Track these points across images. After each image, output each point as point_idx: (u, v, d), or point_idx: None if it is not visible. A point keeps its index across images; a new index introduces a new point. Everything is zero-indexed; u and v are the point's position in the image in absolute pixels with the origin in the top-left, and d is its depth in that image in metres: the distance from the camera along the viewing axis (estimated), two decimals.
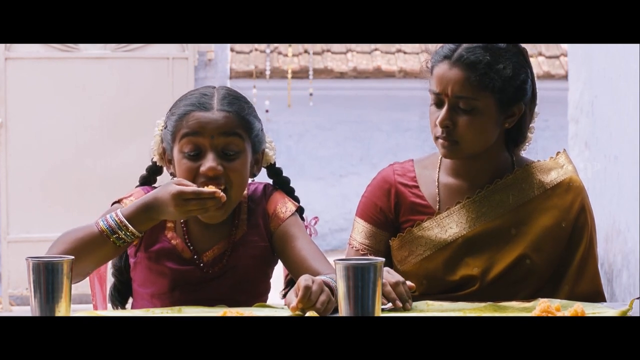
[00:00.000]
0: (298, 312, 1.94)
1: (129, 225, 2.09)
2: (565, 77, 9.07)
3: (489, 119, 2.21)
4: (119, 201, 2.29)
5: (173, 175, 2.28)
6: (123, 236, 2.10)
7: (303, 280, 1.96)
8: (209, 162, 2.17)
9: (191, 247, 2.27)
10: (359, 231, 2.35)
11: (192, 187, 2.08)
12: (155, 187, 2.34)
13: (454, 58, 2.20)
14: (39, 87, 6.02)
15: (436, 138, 2.24)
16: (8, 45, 5.98)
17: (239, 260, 2.27)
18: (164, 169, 2.35)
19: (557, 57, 10.02)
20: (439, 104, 2.23)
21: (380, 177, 2.36)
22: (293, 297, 1.96)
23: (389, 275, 2.07)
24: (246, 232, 2.30)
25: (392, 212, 2.32)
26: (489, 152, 2.26)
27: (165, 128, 2.27)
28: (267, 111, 8.65)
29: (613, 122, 5.04)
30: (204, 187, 2.13)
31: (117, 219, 2.10)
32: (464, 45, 2.21)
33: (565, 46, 9.47)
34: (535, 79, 2.31)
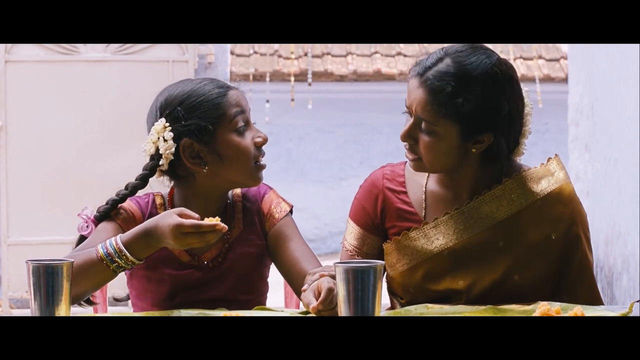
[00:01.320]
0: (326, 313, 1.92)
1: (129, 255, 2.05)
2: (565, 80, 9.08)
3: (450, 144, 2.15)
4: (110, 217, 2.26)
5: (205, 165, 2.22)
6: (123, 264, 2.06)
7: (326, 282, 1.95)
8: (260, 132, 2.28)
9: (188, 250, 2.26)
10: (349, 232, 2.34)
11: (192, 221, 2.01)
12: (137, 199, 2.31)
13: (423, 78, 2.15)
14: (39, 90, 6.01)
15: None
16: (8, 48, 5.98)
17: (237, 258, 2.27)
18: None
19: (557, 60, 10.01)
20: (410, 114, 2.22)
21: (370, 180, 2.35)
22: (312, 298, 1.95)
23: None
24: (242, 230, 2.30)
25: (378, 218, 2.30)
26: (469, 165, 2.21)
27: (182, 122, 2.23)
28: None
29: (613, 125, 5.04)
30: (259, 159, 2.23)
31: (116, 247, 2.06)
32: (437, 67, 2.14)
33: (565, 49, 9.47)
34: (528, 107, 2.21)
